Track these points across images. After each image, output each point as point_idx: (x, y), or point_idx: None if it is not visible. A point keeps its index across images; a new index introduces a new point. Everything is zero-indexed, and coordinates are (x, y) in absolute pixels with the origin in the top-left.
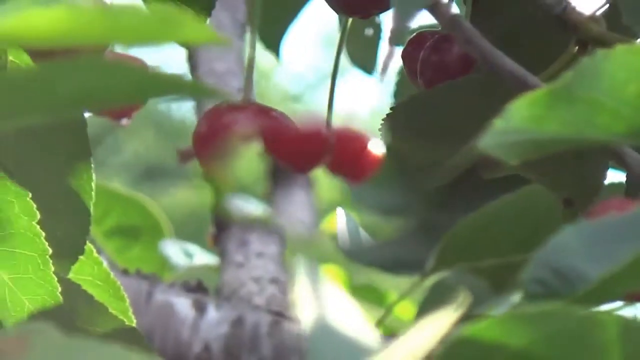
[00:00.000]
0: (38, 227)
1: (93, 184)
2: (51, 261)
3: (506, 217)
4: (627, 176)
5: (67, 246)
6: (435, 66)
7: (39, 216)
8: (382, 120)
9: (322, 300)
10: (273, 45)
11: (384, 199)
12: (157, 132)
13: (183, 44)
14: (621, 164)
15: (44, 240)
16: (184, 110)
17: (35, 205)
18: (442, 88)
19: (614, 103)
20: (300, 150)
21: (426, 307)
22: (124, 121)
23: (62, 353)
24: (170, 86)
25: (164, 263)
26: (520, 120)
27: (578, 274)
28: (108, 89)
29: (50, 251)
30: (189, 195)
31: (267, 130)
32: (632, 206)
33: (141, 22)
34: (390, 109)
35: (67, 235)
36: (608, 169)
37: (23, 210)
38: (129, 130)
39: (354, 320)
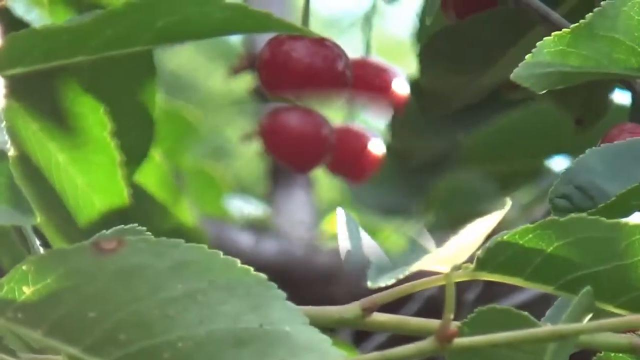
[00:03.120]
0: (109, 136)
1: (156, 99)
2: (120, 166)
3: (520, 129)
4: (632, 101)
5: (133, 152)
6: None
7: (110, 127)
8: (420, 50)
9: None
10: None
11: (384, 199)
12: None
13: None
14: (629, 90)
15: (114, 148)
16: None
17: (107, 117)
18: (473, 20)
19: (630, 41)
20: (300, 150)
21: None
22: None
23: (152, 248)
24: (261, 22)
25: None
26: (548, 55)
27: (599, 190)
28: (204, 21)
29: (119, 158)
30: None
31: (321, 59)
32: None
33: None
34: (427, 39)
35: (133, 143)
36: (614, 91)
37: (96, 122)
38: None
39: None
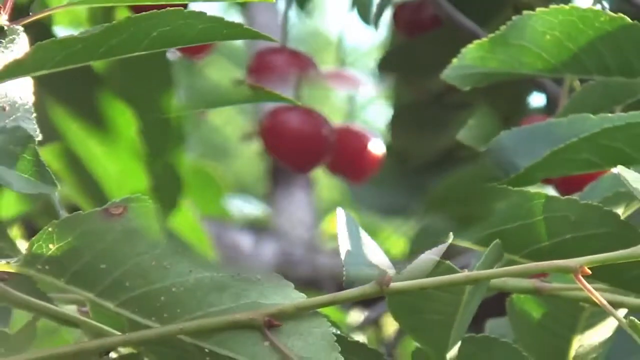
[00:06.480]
0: (135, 133)
1: (174, 104)
2: (143, 158)
3: None
4: (546, 100)
5: (155, 146)
6: (415, 22)
7: (136, 126)
8: (379, 62)
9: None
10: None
11: (384, 199)
12: None
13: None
14: (542, 90)
15: (138, 142)
16: None
17: (133, 119)
18: (420, 39)
19: (536, 48)
20: (300, 150)
21: None
22: (200, 57)
23: (154, 215)
24: (235, 31)
25: None
26: (470, 59)
27: (511, 164)
28: (189, 31)
29: (143, 149)
30: None
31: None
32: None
33: None
34: (383, 54)
35: (155, 138)
36: (532, 94)
37: (125, 123)
38: None
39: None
